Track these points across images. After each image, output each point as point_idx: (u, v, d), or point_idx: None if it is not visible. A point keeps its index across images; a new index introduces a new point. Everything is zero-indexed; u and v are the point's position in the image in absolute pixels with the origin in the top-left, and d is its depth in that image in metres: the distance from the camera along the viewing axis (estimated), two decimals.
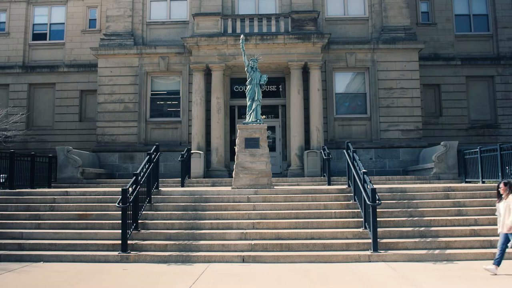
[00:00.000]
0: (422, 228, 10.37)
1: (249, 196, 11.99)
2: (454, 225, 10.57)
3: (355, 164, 11.70)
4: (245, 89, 14.58)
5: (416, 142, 19.56)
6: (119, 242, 9.70)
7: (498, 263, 8.00)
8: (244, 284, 7.66)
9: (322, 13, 20.42)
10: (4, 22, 23.91)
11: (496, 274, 7.89)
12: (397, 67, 20.00)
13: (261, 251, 9.72)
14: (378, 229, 9.68)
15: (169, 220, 11.13)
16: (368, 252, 9.46)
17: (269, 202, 11.84)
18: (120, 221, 9.85)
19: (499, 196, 8.33)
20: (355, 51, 20.07)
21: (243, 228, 10.65)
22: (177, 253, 9.60)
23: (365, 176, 10.47)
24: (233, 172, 13.33)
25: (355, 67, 20.22)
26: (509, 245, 8.00)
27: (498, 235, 9.99)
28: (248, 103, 13.91)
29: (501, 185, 8.31)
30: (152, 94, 20.73)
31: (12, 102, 22.88)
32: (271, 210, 11.48)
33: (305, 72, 19.49)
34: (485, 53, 22.72)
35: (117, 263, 9.34)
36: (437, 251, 9.48)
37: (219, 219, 11.05)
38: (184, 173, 15.97)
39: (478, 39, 22.88)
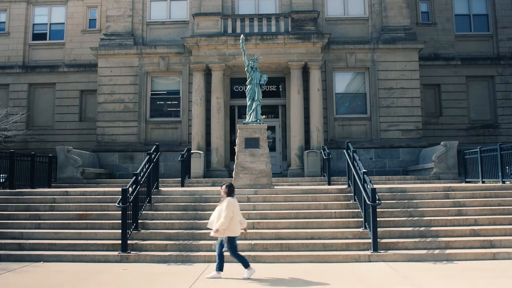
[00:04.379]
0: (422, 228, 10.37)
1: (249, 196, 12.00)
2: (454, 225, 10.56)
3: (355, 164, 11.69)
4: (245, 89, 14.58)
5: (416, 142, 19.56)
6: (119, 242, 9.71)
7: (220, 268, 7.94)
8: (244, 284, 7.66)
9: (322, 13, 20.42)
10: (4, 22, 23.91)
11: (221, 278, 7.86)
12: (397, 67, 20.00)
13: (261, 251, 9.73)
14: (378, 229, 9.68)
15: (169, 220, 11.13)
16: (368, 252, 9.46)
17: (269, 202, 11.84)
18: (120, 221, 9.85)
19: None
20: (355, 51, 20.08)
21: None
22: (177, 253, 9.60)
23: (365, 176, 10.47)
24: (233, 172, 13.33)
25: (355, 67, 20.23)
26: (223, 249, 7.92)
27: (498, 235, 10.08)
28: (248, 103, 13.90)
29: (223, 187, 8.18)
30: (152, 94, 20.73)
31: (12, 102, 22.88)
32: (271, 210, 11.48)
33: (305, 72, 19.49)
34: (485, 53, 22.73)
35: (117, 263, 9.33)
36: (437, 251, 9.48)
37: None
38: (184, 173, 15.97)
39: (478, 39, 22.90)
